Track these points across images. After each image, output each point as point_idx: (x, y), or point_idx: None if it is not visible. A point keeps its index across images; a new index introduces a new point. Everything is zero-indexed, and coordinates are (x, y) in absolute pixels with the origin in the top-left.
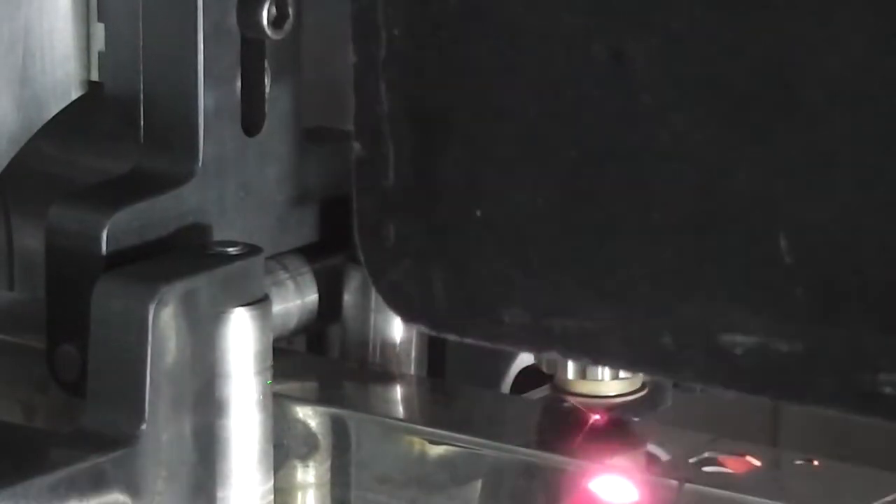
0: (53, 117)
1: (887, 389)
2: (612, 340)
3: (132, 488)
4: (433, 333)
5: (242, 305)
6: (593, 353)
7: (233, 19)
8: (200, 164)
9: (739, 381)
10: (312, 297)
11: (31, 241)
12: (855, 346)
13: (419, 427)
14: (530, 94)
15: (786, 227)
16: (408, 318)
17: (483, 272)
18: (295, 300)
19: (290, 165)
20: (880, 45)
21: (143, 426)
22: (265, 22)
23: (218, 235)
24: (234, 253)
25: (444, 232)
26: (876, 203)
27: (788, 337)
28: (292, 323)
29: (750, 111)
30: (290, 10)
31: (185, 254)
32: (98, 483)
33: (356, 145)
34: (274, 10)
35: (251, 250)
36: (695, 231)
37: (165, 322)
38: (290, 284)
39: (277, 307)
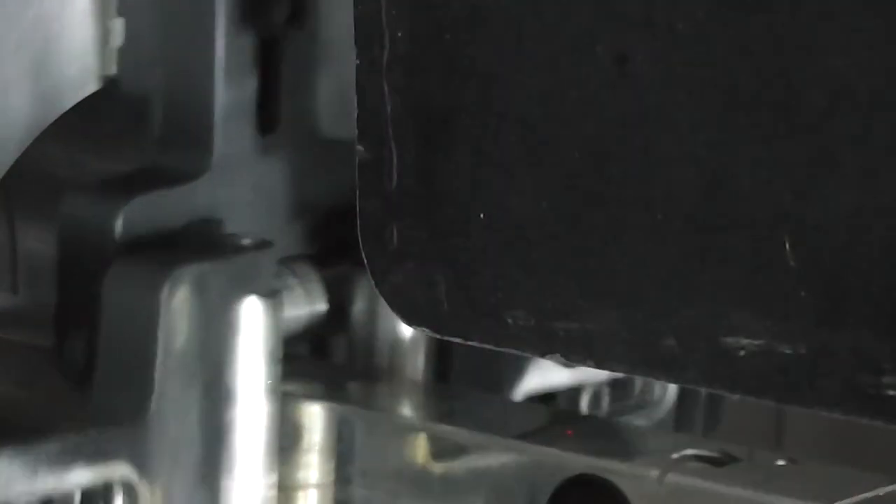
0: (57, 119)
1: (891, 392)
2: (616, 343)
3: (138, 463)
4: (436, 336)
5: (253, 295)
6: (596, 356)
7: (250, 17)
8: (214, 160)
9: (743, 383)
10: (321, 303)
11: (35, 243)
12: (859, 349)
13: (423, 425)
14: (534, 96)
15: (790, 229)
16: (411, 320)
17: (486, 275)
18: (303, 306)
19: (304, 167)
20: (884, 46)
21: (151, 404)
22: (281, 20)
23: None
24: (246, 244)
25: (448, 234)
26: (880, 205)
27: (792, 340)
28: (300, 328)
29: (754, 113)
30: (307, 9)
31: (198, 242)
32: (104, 453)
33: (359, 148)
34: (290, 8)
35: (262, 243)
36: (699, 234)
37: (176, 304)
38: (299, 290)
39: (285, 313)
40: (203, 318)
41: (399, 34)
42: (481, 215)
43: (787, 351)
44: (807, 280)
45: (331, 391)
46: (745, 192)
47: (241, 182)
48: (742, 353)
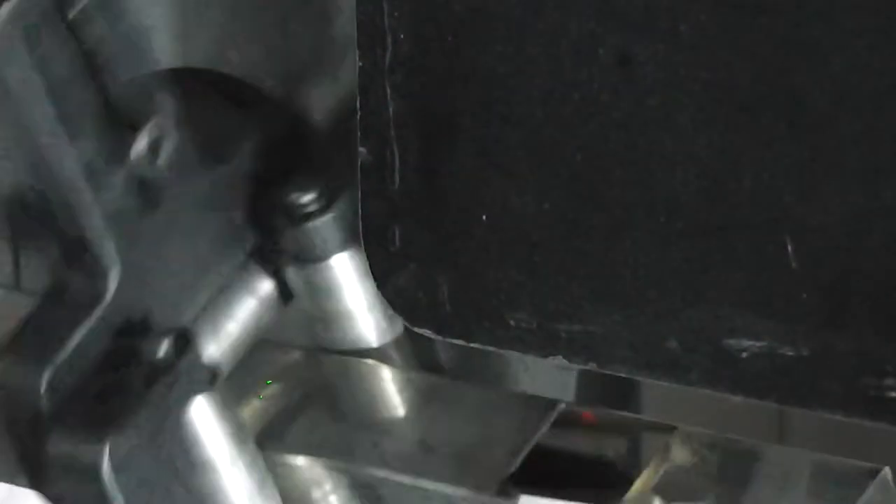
0: None
1: (893, 394)
2: (618, 345)
3: None
4: (439, 338)
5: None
6: (598, 358)
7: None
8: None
9: (745, 385)
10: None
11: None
12: (861, 351)
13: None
14: (536, 98)
15: (792, 231)
16: (414, 322)
17: (489, 276)
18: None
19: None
20: (886, 48)
21: None
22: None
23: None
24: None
25: (450, 236)
26: (882, 207)
27: (794, 341)
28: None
29: (756, 115)
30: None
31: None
32: None
33: (362, 150)
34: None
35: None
36: (701, 235)
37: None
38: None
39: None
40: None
41: (401, 36)
42: (484, 217)
43: (790, 353)
44: (809, 282)
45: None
46: (748, 193)
47: (150, 258)
48: (744, 354)
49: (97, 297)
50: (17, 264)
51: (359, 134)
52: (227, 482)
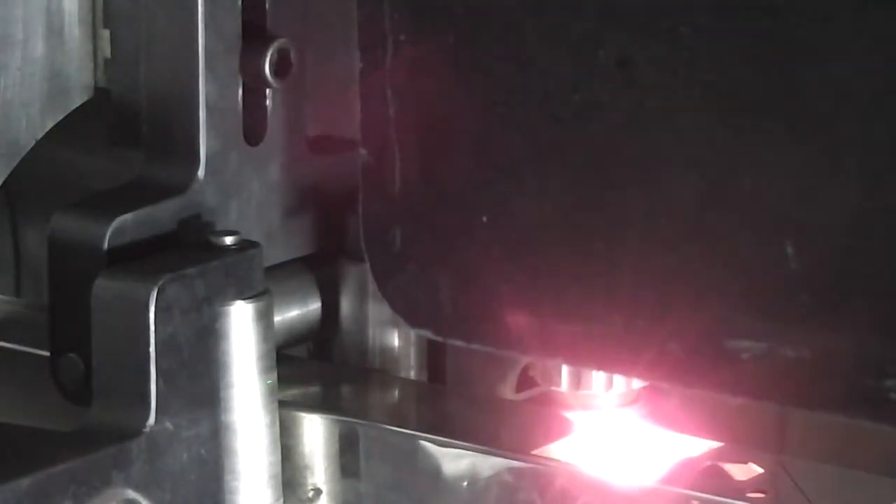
0: (58, 123)
1: (893, 395)
2: (618, 345)
3: (138, 484)
4: (439, 339)
5: (243, 299)
6: (599, 360)
7: (234, 29)
8: (201, 172)
9: (746, 386)
10: (315, 306)
11: (37, 247)
12: (861, 352)
13: (423, 435)
14: (536, 98)
15: (792, 231)
16: (414, 323)
17: (489, 278)
18: (298, 309)
19: (293, 175)
20: (886, 51)
21: (150, 421)
22: (267, 66)
23: None
24: (233, 245)
25: (451, 238)
26: (882, 209)
27: (795, 343)
28: (295, 332)
29: (756, 117)
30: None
31: (184, 248)
32: (104, 478)
33: (362, 151)
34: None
35: (248, 244)
36: (701, 237)
37: (166, 313)
38: (293, 293)
39: (280, 317)
40: (194, 326)
41: (401, 36)
42: (484, 218)
43: (790, 354)
44: (809, 282)
45: (329, 401)
46: (747, 195)
47: (230, 191)
48: (745, 355)
49: (175, 188)
50: (17, 271)
51: (359, 135)
52: (242, 391)
